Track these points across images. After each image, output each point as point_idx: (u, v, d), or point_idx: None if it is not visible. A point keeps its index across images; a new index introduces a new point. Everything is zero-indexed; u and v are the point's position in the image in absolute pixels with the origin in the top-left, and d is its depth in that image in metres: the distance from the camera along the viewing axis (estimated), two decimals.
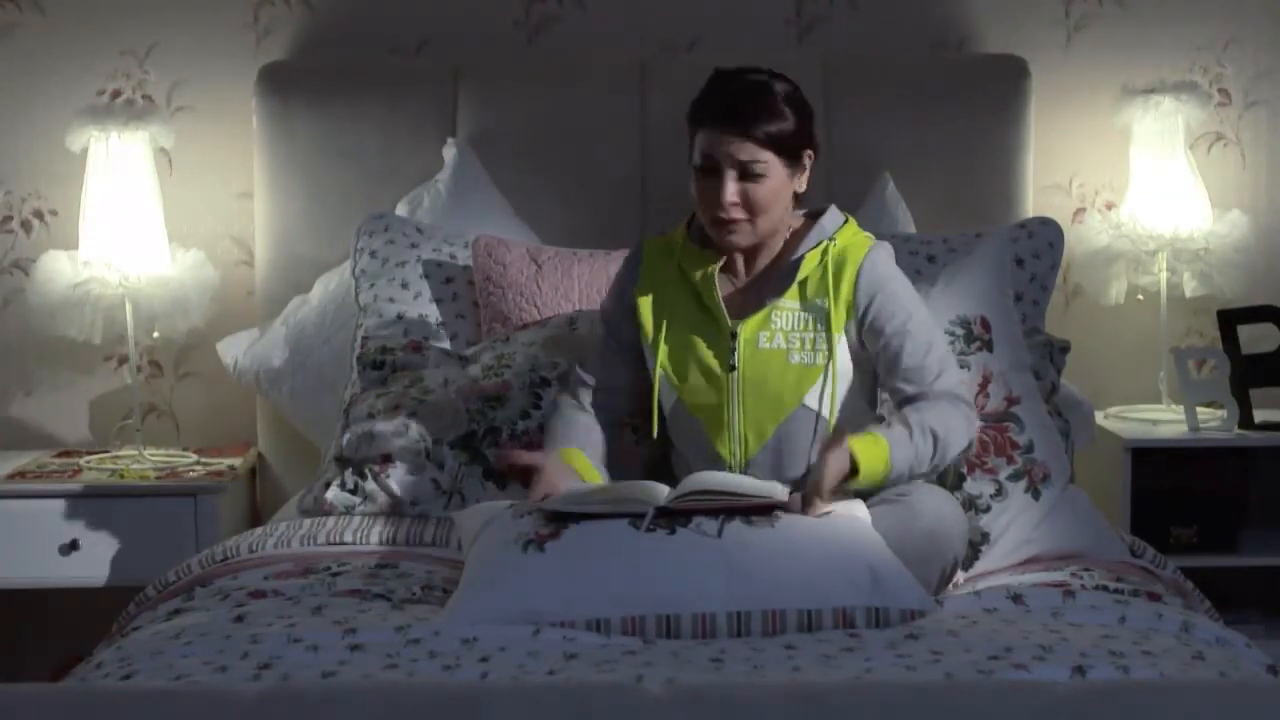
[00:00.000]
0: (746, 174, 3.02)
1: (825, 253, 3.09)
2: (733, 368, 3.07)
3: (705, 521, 2.77)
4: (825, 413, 3.05)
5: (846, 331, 3.08)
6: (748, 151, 3.01)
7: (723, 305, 3.10)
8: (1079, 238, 4.09)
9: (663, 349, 3.12)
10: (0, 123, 4.16)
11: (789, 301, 3.08)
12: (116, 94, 4.15)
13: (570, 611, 2.67)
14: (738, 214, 3.04)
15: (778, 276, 3.10)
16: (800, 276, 3.08)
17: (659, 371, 3.13)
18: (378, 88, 4.06)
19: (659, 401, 3.15)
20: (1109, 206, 4.18)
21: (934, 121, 4.04)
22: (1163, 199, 4.02)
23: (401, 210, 3.95)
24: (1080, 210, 4.21)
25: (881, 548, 2.78)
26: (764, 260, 3.13)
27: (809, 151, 3.09)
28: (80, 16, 4.14)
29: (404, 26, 4.17)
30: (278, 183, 4.03)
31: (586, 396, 3.22)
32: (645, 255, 3.22)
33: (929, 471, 3.02)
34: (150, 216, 3.93)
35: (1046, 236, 3.69)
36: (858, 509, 2.90)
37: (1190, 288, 4.04)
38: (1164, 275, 4.04)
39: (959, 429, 3.04)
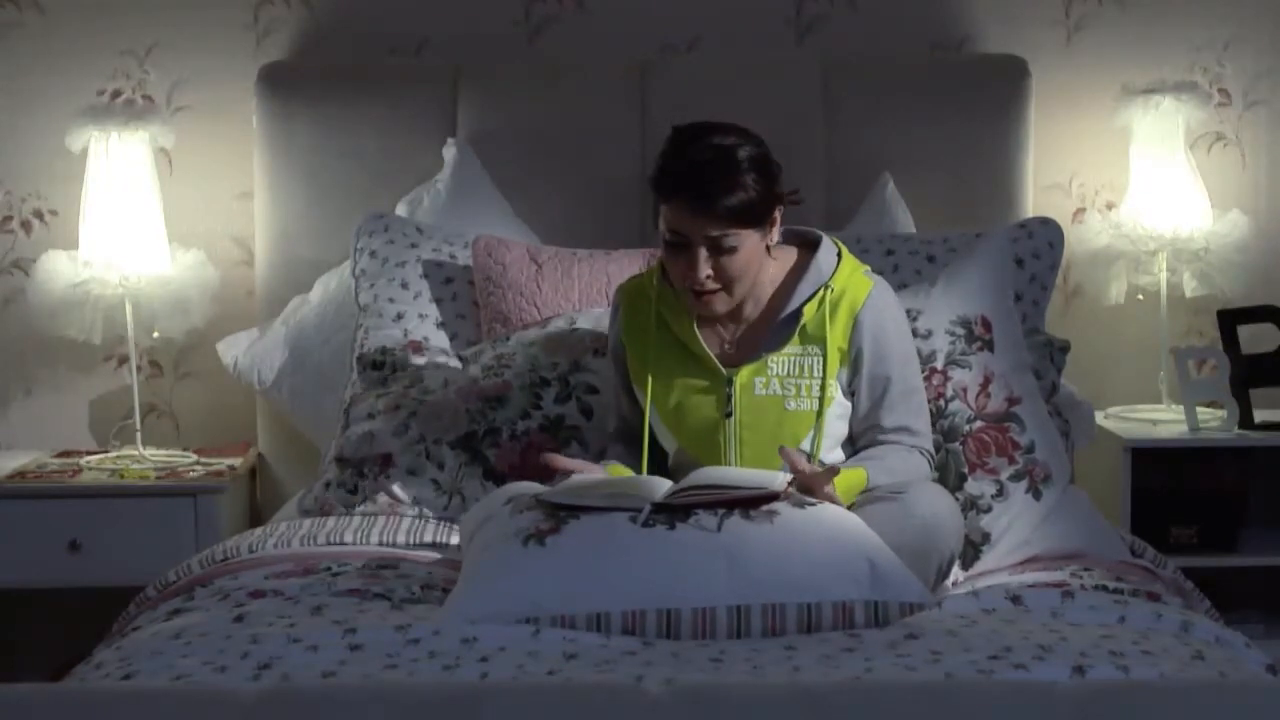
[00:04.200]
0: (718, 249, 2.98)
1: (823, 301, 3.06)
2: (729, 414, 3.06)
3: (704, 516, 2.77)
4: (822, 456, 3.04)
5: (839, 376, 3.07)
6: (717, 228, 2.96)
7: (711, 354, 3.08)
8: (1079, 238, 4.09)
9: (657, 399, 3.11)
10: (0, 123, 4.16)
11: (785, 346, 3.07)
12: (116, 94, 4.15)
13: (571, 605, 2.67)
14: (712, 285, 3.01)
15: (776, 325, 3.07)
16: (799, 324, 3.06)
17: (652, 416, 3.11)
18: (378, 88, 4.06)
19: (661, 444, 3.15)
20: (1109, 206, 4.18)
21: (934, 121, 4.04)
22: (1163, 199, 4.02)
23: (401, 210, 3.95)
24: (1080, 210, 4.21)
25: (879, 543, 2.79)
26: (752, 306, 3.10)
27: (778, 208, 3.04)
28: (80, 16, 4.14)
29: (404, 26, 4.17)
30: (278, 183, 4.03)
31: (617, 429, 3.25)
32: (623, 305, 3.19)
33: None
34: (150, 216, 3.93)
35: (1046, 236, 3.68)
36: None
37: (1190, 288, 4.04)
38: (1164, 275, 4.04)
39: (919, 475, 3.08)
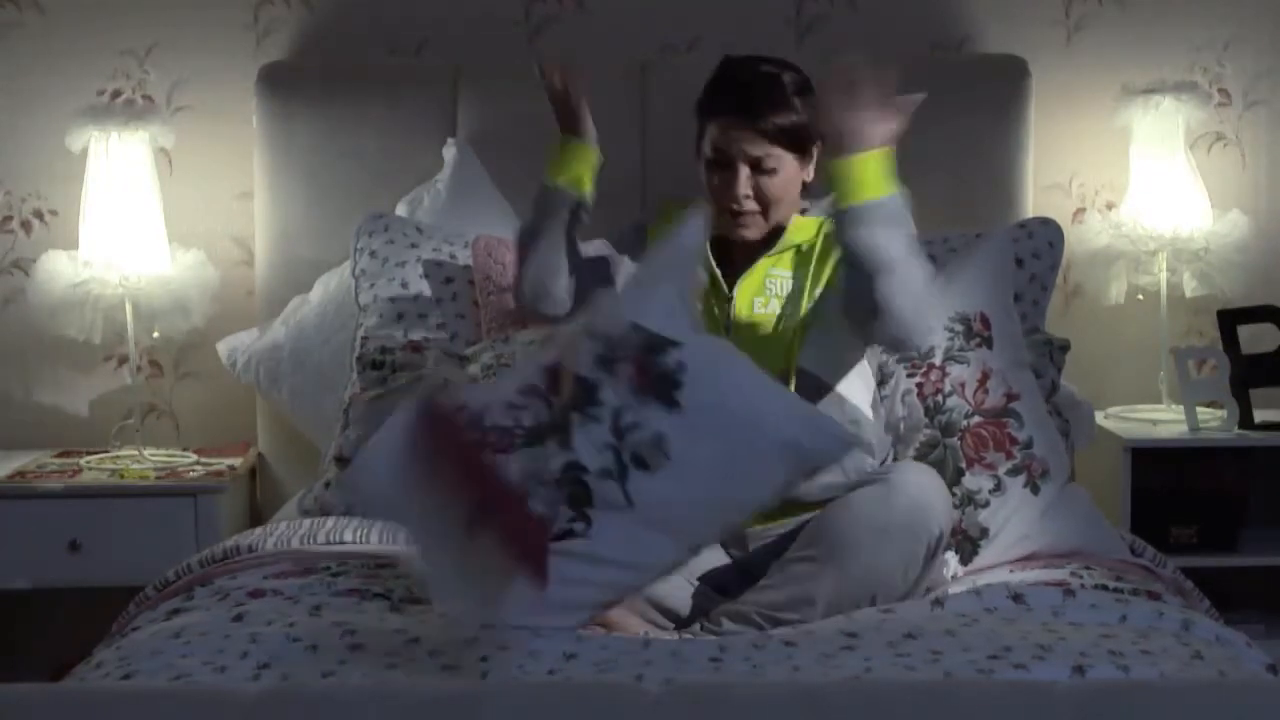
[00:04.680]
0: (759, 168, 3.04)
1: (822, 225, 3.10)
2: (726, 329, 3.07)
3: (601, 483, 2.56)
4: (810, 368, 3.03)
5: (831, 300, 3.05)
6: (760, 146, 3.03)
7: (717, 269, 3.10)
8: (1079, 238, 4.09)
9: None
10: (0, 123, 4.16)
11: (782, 270, 3.09)
12: (116, 94, 4.15)
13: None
14: (750, 206, 3.06)
15: (772, 240, 3.12)
16: (795, 240, 3.09)
17: None
18: (378, 88, 4.06)
19: None
20: (1109, 206, 4.18)
21: (934, 121, 4.01)
22: (1163, 199, 4.02)
23: (401, 210, 3.95)
24: (1080, 210, 4.21)
25: (784, 413, 2.66)
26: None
27: (818, 142, 3.09)
28: (80, 16, 4.14)
29: (404, 26, 4.17)
30: (278, 183, 4.03)
31: None
32: (660, 214, 3.23)
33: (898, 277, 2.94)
34: (150, 216, 3.93)
35: (1046, 236, 3.69)
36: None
37: (1190, 288, 4.04)
38: (1164, 275, 4.04)
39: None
